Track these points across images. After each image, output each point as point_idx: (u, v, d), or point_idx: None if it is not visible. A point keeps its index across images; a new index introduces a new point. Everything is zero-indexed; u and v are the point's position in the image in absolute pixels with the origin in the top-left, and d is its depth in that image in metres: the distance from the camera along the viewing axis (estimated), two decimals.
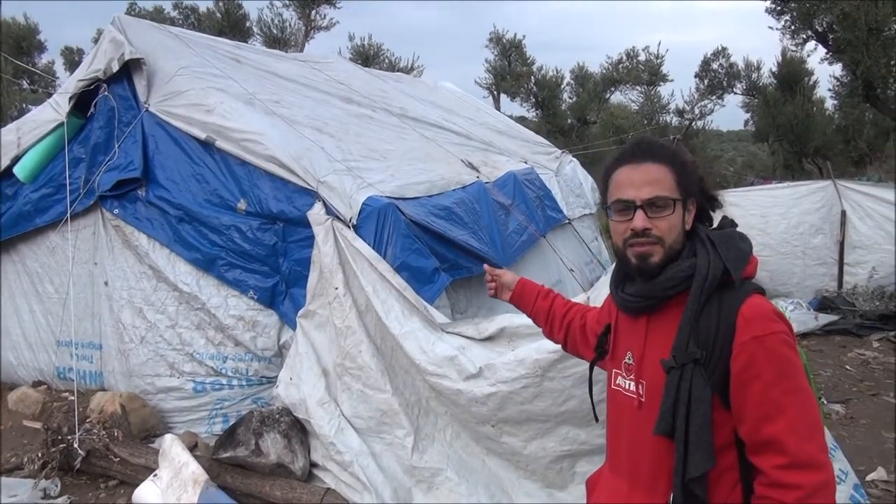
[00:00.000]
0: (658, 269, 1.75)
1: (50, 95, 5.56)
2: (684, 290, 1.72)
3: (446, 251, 4.43)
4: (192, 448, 4.14)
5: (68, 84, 5.22)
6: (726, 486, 1.70)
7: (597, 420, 2.33)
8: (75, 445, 4.09)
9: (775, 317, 1.66)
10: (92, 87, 4.96)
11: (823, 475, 1.58)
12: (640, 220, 1.74)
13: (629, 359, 1.86)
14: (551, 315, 2.51)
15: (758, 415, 1.61)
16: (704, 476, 1.64)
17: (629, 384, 1.85)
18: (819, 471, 1.58)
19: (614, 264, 2.02)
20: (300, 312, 4.23)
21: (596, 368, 2.17)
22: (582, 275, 7.13)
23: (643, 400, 1.80)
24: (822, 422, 1.66)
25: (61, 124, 5.00)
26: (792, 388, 1.61)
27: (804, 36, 14.26)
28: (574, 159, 9.55)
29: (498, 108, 18.62)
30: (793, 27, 14.13)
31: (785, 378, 1.60)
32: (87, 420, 4.30)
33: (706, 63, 22.28)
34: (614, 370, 1.93)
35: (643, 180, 1.76)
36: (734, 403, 1.65)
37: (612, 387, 1.94)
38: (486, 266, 2.84)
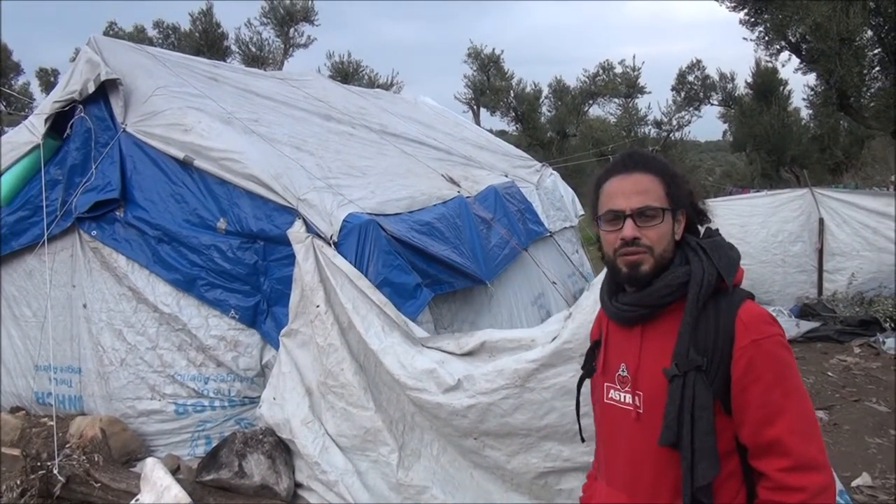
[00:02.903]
0: (648, 277, 1.76)
1: (26, 117, 5.50)
2: (679, 297, 1.73)
3: (428, 266, 4.42)
4: (175, 471, 4.09)
5: (44, 105, 5.18)
6: (730, 492, 1.70)
7: (583, 440, 2.29)
8: (55, 472, 4.02)
9: (770, 320, 1.69)
10: (68, 108, 4.91)
11: (824, 476, 1.60)
12: (629, 229, 1.75)
13: (623, 371, 1.84)
14: None
15: (759, 417, 1.62)
16: (710, 484, 1.63)
17: (625, 396, 1.83)
18: (820, 472, 1.60)
19: (603, 277, 2.01)
20: (283, 331, 4.21)
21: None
22: (564, 287, 7.15)
23: (641, 411, 1.78)
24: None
25: (37, 146, 4.94)
26: (790, 389, 1.63)
27: (778, 46, 14.44)
28: (554, 172, 9.60)
29: (478, 123, 18.73)
30: (766, 38, 14.30)
31: (783, 380, 1.63)
32: (67, 445, 4.23)
33: (682, 76, 22.55)
34: (606, 384, 1.90)
35: (633, 190, 1.77)
36: (735, 408, 1.67)
37: (605, 401, 1.90)
38: None
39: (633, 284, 1.79)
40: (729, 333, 1.66)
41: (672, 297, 1.74)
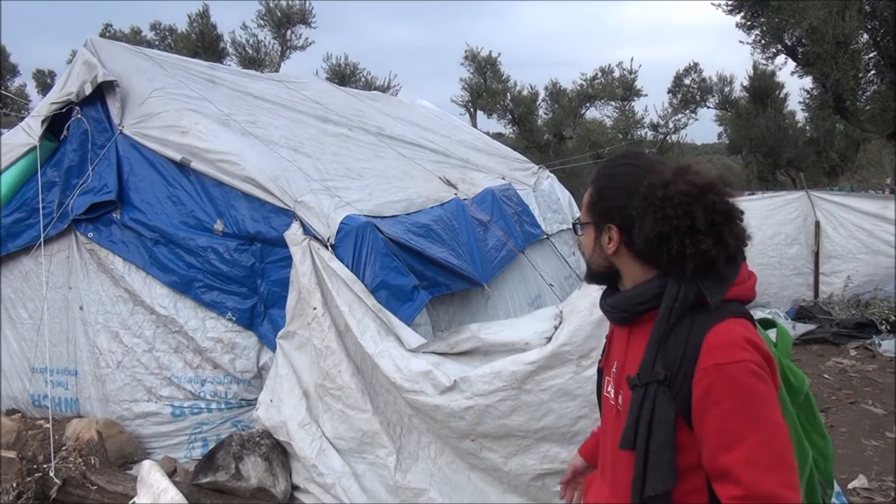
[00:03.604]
0: (588, 279, 1.97)
1: (22, 119, 5.49)
2: (657, 306, 1.69)
3: (425, 269, 4.42)
4: (171, 474, 4.08)
5: (40, 107, 5.17)
6: None
7: None
8: (51, 474, 4.01)
9: (745, 344, 1.57)
10: (65, 109, 4.91)
11: None
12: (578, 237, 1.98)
13: (616, 367, 1.87)
14: None
15: (715, 443, 1.55)
16: (666, 496, 1.60)
17: (613, 392, 1.87)
18: None
19: None
20: (280, 333, 4.20)
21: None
22: (561, 289, 7.15)
23: (620, 409, 1.80)
24: (795, 456, 1.57)
25: (34, 148, 4.93)
26: (754, 417, 1.52)
27: (774, 50, 14.50)
28: (551, 175, 9.60)
29: (475, 125, 18.71)
30: (763, 41, 14.36)
31: (747, 408, 1.53)
32: (63, 448, 4.23)
33: (678, 79, 22.61)
34: (606, 378, 1.95)
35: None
36: (695, 429, 1.60)
37: (605, 393, 1.95)
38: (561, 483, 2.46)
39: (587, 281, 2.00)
40: (694, 352, 1.59)
41: (645, 306, 1.72)
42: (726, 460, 1.53)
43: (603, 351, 2.11)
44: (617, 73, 23.68)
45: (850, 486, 4.58)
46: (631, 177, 1.78)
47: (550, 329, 3.49)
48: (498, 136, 18.34)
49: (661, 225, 1.62)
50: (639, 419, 1.64)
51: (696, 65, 22.39)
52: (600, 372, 2.12)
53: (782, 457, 1.53)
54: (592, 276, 1.95)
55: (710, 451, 1.57)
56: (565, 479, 2.39)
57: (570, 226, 1.79)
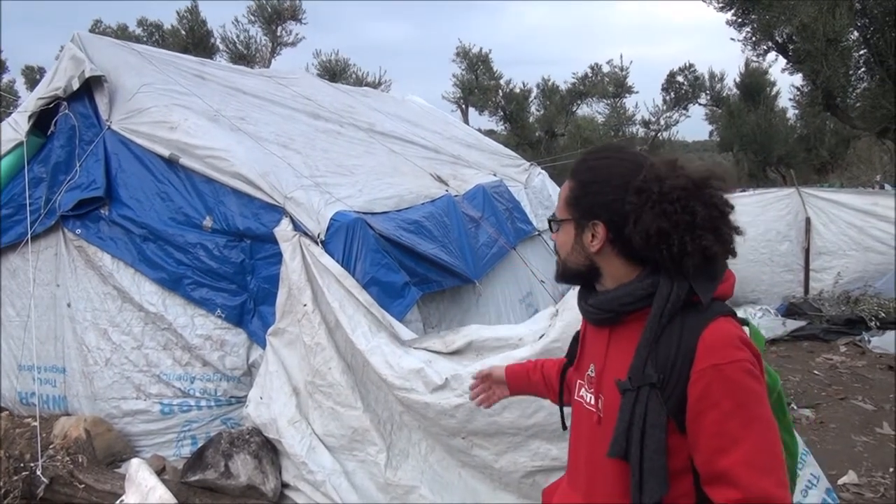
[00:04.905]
0: (558, 279, 1.91)
1: (10, 115, 5.45)
2: (645, 306, 1.65)
3: (416, 265, 4.40)
4: (160, 472, 4.05)
5: (28, 102, 5.12)
6: None
7: (564, 428, 2.28)
8: (38, 473, 3.98)
9: (740, 343, 1.56)
10: (52, 105, 4.86)
11: None
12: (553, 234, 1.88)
13: (591, 371, 1.80)
14: (548, 382, 2.33)
15: (713, 446, 1.53)
16: (659, 502, 1.57)
17: (590, 397, 1.80)
18: None
19: None
20: (269, 330, 4.18)
21: None
22: (553, 286, 7.13)
23: (601, 416, 1.74)
24: (784, 454, 1.57)
25: (21, 144, 4.89)
26: (750, 418, 1.51)
27: (765, 47, 14.56)
28: (543, 171, 9.59)
29: (466, 122, 18.69)
30: (754, 39, 14.41)
31: (744, 409, 1.51)
32: (51, 446, 4.19)
33: (671, 75, 22.68)
34: (578, 381, 1.88)
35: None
36: (690, 432, 1.57)
37: (576, 397, 1.88)
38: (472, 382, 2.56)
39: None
40: (689, 354, 1.56)
41: (634, 306, 1.67)
42: (724, 463, 1.51)
43: (569, 353, 2.06)
44: (608, 70, 23.74)
45: (839, 481, 4.59)
46: (618, 170, 1.72)
47: (545, 328, 3.48)
48: (489, 133, 18.35)
49: (661, 220, 1.57)
50: (631, 424, 1.59)
51: (690, 65, 22.50)
52: (566, 367, 2.09)
53: (776, 456, 1.53)
54: (567, 276, 1.86)
55: (706, 454, 1.54)
56: (481, 374, 2.48)
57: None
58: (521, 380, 2.40)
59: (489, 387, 2.46)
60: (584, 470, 1.81)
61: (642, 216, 1.61)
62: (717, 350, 1.54)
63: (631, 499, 1.59)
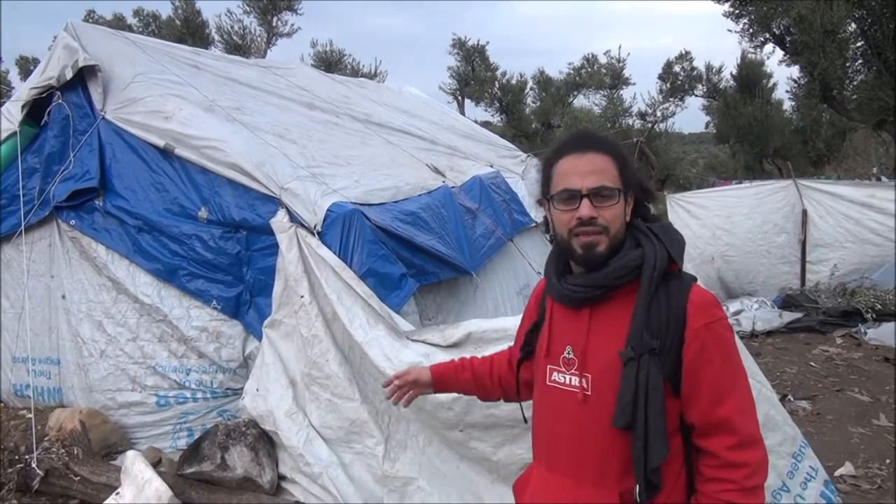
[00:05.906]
0: (603, 258, 1.76)
1: (2, 105, 5.41)
2: (630, 280, 1.75)
3: (413, 257, 4.38)
4: (156, 464, 4.04)
5: (21, 92, 5.08)
6: (673, 471, 1.74)
7: (525, 422, 2.25)
8: (33, 465, 3.96)
9: (716, 303, 1.76)
10: (45, 94, 4.82)
11: (762, 451, 1.70)
12: (586, 208, 1.74)
13: (569, 353, 1.83)
14: (479, 380, 2.36)
15: (710, 398, 1.68)
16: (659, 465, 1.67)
17: (570, 379, 1.82)
18: (759, 447, 1.70)
19: (549, 257, 1.99)
20: (266, 322, 4.16)
21: None
22: None
23: (588, 393, 1.77)
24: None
25: (14, 134, 4.84)
26: (735, 368, 1.72)
27: (762, 38, 14.52)
28: (540, 163, 9.56)
29: (462, 113, 18.63)
30: (751, 30, 14.37)
31: (730, 360, 1.71)
32: (46, 438, 4.17)
33: (668, 66, 22.60)
34: (550, 366, 1.88)
35: (588, 170, 1.77)
36: (686, 389, 1.71)
37: (547, 383, 1.88)
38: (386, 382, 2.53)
39: (588, 265, 1.79)
40: (681, 317, 1.70)
41: (625, 279, 1.75)
42: (722, 412, 1.67)
43: (524, 346, 2.05)
44: (604, 61, 23.67)
45: (836, 473, 4.59)
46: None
47: None
48: (486, 125, 18.26)
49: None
50: (636, 392, 1.66)
51: (687, 53, 22.39)
52: (522, 361, 2.08)
53: (752, 400, 1.76)
54: (610, 252, 1.76)
55: (704, 407, 1.70)
56: (397, 375, 2.43)
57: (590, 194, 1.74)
58: (449, 378, 2.42)
59: (414, 387, 2.42)
60: (568, 451, 1.83)
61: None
62: (705, 310, 1.72)
63: (635, 464, 1.66)
